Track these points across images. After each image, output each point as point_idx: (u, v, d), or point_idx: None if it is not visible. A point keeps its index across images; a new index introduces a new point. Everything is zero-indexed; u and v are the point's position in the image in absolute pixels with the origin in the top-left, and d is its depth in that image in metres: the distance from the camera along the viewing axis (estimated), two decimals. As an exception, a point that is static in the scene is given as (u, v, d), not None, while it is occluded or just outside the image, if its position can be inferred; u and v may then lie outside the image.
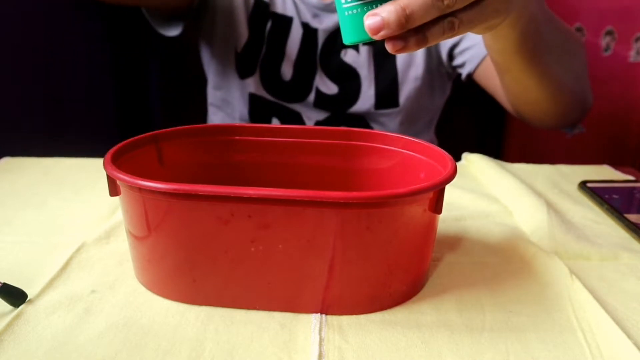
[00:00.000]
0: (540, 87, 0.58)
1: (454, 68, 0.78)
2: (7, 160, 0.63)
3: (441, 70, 0.80)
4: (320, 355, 0.30)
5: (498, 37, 0.47)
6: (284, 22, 0.78)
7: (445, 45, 0.76)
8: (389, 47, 0.33)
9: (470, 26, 0.35)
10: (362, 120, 0.79)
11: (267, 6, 0.78)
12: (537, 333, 0.33)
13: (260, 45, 0.78)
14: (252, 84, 0.80)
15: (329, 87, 0.78)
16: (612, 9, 1.14)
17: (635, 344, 0.31)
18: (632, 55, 1.17)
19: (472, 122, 0.84)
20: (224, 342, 0.31)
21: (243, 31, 0.79)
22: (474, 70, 0.74)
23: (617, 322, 0.33)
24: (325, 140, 0.44)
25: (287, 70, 0.78)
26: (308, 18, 0.77)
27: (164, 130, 0.42)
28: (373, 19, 0.32)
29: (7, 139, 0.80)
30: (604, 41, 1.17)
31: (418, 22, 0.32)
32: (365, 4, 0.32)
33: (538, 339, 0.32)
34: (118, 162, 0.35)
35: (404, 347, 0.31)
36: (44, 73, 0.97)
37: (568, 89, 0.62)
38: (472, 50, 0.72)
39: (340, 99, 0.78)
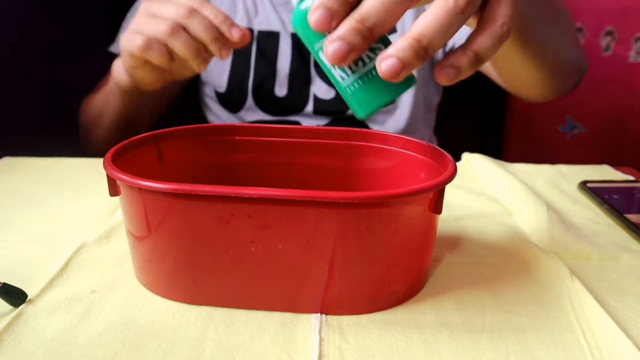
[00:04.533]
0: (537, 69, 0.57)
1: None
2: (7, 160, 0.63)
3: (434, 62, 0.80)
4: (320, 355, 0.30)
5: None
6: (271, 38, 0.77)
7: None
8: (442, 80, 0.30)
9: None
10: (361, 122, 0.79)
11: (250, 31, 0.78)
12: (537, 333, 0.33)
13: (247, 74, 0.78)
14: (247, 113, 0.79)
15: (326, 92, 0.77)
16: (612, 9, 1.14)
17: (635, 344, 0.31)
18: (632, 55, 1.17)
19: (472, 122, 0.84)
20: (224, 342, 0.31)
21: (225, 66, 0.78)
22: None
23: (617, 322, 0.33)
24: (325, 140, 0.44)
25: (280, 87, 0.77)
26: None
27: (164, 130, 0.42)
28: (389, 65, 0.28)
29: (7, 139, 0.80)
30: (604, 41, 1.17)
31: (439, 44, 0.28)
32: (362, 75, 0.31)
33: (538, 339, 0.32)
34: (118, 162, 0.35)
35: (404, 347, 0.31)
36: (44, 73, 0.97)
37: (565, 61, 0.62)
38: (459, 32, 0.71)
39: (339, 101, 0.78)
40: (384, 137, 0.43)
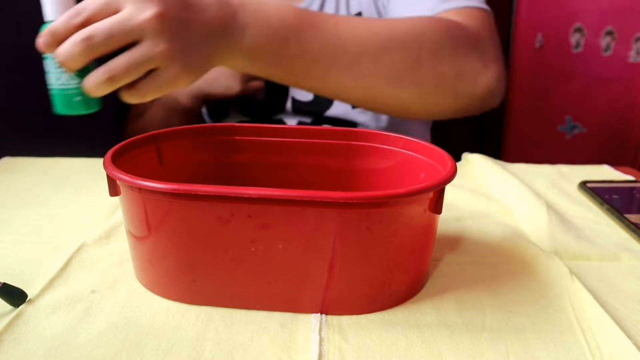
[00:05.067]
0: (348, 93, 0.57)
1: None
2: (7, 160, 0.63)
3: None
4: (320, 355, 0.30)
5: (237, 65, 0.51)
6: None
7: None
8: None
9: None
10: (346, 124, 0.78)
11: None
12: (537, 333, 0.33)
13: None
14: (230, 119, 0.80)
15: (304, 94, 0.77)
16: (612, 9, 1.14)
17: (635, 344, 0.31)
18: (632, 55, 1.17)
19: (472, 122, 0.84)
20: (224, 342, 0.31)
21: None
22: None
23: (617, 322, 0.33)
24: (325, 140, 0.44)
25: (259, 92, 0.77)
26: None
27: (164, 130, 0.42)
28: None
29: (7, 139, 0.80)
30: (604, 41, 1.17)
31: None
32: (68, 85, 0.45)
33: (538, 339, 0.32)
34: (118, 162, 0.35)
35: (404, 347, 0.31)
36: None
37: (392, 87, 0.57)
38: None
39: (318, 103, 0.77)
40: (384, 137, 0.43)
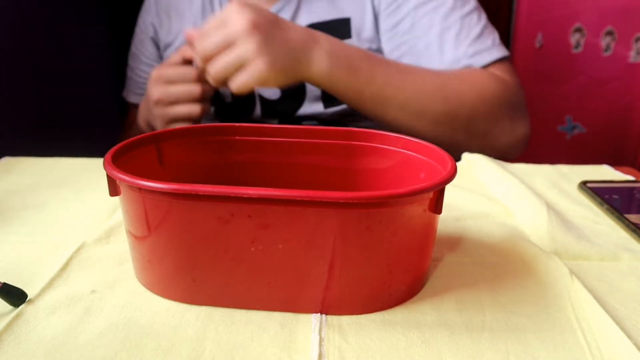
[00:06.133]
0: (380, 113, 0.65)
1: None
2: (7, 160, 0.63)
3: None
4: (320, 355, 0.30)
5: (322, 87, 0.62)
6: None
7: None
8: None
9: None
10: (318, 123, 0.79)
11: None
12: (537, 333, 0.33)
13: None
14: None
15: (272, 92, 0.77)
16: (612, 9, 1.14)
17: (635, 344, 0.31)
18: (632, 55, 1.17)
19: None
20: (224, 342, 0.31)
21: None
22: None
23: (617, 322, 0.33)
24: (325, 140, 0.44)
25: (225, 92, 0.78)
26: None
27: (164, 130, 0.42)
28: None
29: (7, 139, 0.80)
30: (604, 41, 1.17)
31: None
32: None
33: (538, 339, 0.32)
34: (118, 162, 0.35)
35: (404, 347, 0.31)
36: (44, 73, 0.97)
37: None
38: None
39: (286, 101, 0.77)
40: (384, 137, 0.43)
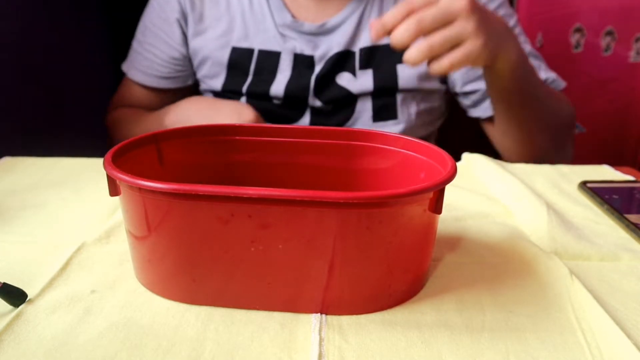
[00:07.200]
0: (519, 132, 0.71)
1: (462, 99, 0.81)
2: (7, 160, 0.63)
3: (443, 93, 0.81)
4: (320, 355, 0.30)
5: (497, 75, 0.62)
6: (271, 57, 0.78)
7: (457, 80, 0.79)
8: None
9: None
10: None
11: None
12: (537, 333, 0.33)
13: (244, 80, 0.78)
14: None
15: (323, 103, 0.78)
16: (612, 9, 1.14)
17: (635, 344, 0.31)
18: (632, 55, 1.17)
19: (472, 122, 0.85)
20: (224, 342, 0.31)
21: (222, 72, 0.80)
22: (486, 119, 0.79)
23: (617, 323, 0.33)
24: (325, 140, 0.44)
25: (278, 88, 0.77)
26: (302, 46, 0.77)
27: (164, 130, 0.42)
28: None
29: (7, 139, 0.80)
30: (604, 41, 1.16)
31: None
32: None
33: (538, 339, 0.32)
34: (118, 162, 0.35)
35: (404, 347, 0.31)
36: (44, 73, 0.97)
37: (538, 140, 0.73)
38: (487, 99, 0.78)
39: (338, 111, 0.78)
40: (384, 137, 0.43)
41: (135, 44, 0.84)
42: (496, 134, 0.77)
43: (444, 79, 0.80)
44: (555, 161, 0.68)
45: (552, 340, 0.32)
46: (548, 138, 0.73)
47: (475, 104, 0.79)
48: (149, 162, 0.41)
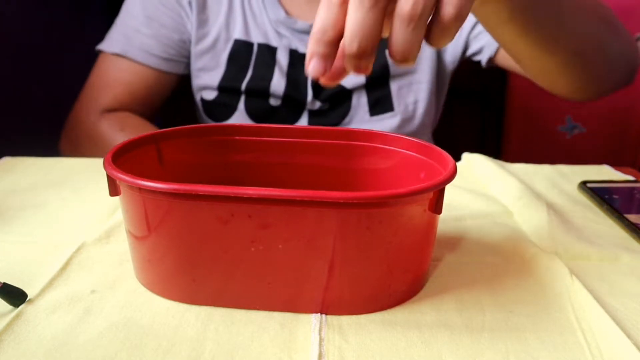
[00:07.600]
0: (550, 54, 0.55)
1: (471, 56, 0.78)
2: (7, 160, 0.63)
3: (443, 74, 0.80)
4: (320, 355, 0.30)
5: (486, 13, 0.46)
6: (268, 51, 0.77)
7: (460, 36, 0.75)
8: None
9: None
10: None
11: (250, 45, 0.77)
12: (537, 333, 0.33)
13: (244, 75, 0.78)
14: (237, 119, 0.80)
15: (319, 103, 0.77)
16: (612, 9, 1.14)
17: (635, 344, 0.31)
18: (632, 56, 1.16)
19: (472, 122, 0.84)
20: (224, 342, 0.31)
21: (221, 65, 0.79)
22: (495, 53, 0.74)
23: (617, 323, 0.33)
24: (325, 140, 0.44)
25: (278, 85, 0.77)
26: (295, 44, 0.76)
27: (163, 130, 0.42)
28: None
29: (7, 139, 0.80)
30: (604, 41, 1.16)
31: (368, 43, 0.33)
32: None
33: (538, 339, 0.32)
34: (118, 162, 0.35)
35: (404, 347, 0.31)
36: (44, 73, 0.97)
37: (597, 50, 0.60)
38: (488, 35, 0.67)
39: (333, 110, 0.77)
40: (384, 137, 0.43)
41: (132, 22, 0.78)
42: (526, 60, 0.60)
43: (438, 56, 0.78)
44: (614, 50, 0.61)
45: (552, 340, 0.32)
46: (595, 30, 0.60)
47: (481, 49, 0.75)
48: (149, 162, 0.41)
